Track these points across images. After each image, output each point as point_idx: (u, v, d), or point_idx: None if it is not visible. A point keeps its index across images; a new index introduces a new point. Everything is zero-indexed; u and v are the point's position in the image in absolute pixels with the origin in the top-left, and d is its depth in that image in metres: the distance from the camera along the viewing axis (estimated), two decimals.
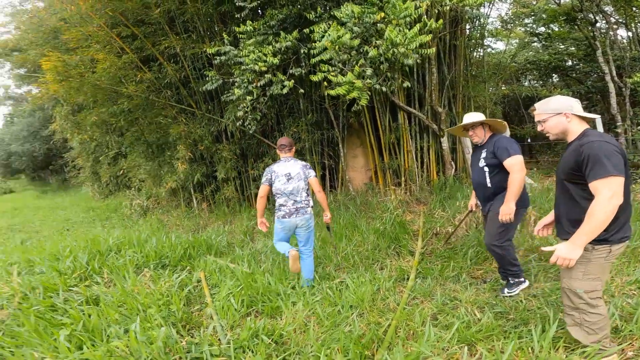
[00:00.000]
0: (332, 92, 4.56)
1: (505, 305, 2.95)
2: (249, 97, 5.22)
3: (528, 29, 11.01)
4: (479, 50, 8.58)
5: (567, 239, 2.06)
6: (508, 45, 11.67)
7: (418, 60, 4.89)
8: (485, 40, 8.47)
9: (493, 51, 11.14)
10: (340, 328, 2.63)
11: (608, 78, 8.26)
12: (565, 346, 2.29)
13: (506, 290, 3.16)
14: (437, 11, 5.70)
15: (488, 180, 3.08)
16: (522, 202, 3.04)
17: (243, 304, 3.06)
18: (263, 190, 3.43)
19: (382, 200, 6.55)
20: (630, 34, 9.52)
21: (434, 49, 4.90)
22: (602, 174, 1.81)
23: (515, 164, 2.87)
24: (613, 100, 8.26)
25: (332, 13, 4.92)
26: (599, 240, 1.94)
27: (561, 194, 2.13)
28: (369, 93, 4.53)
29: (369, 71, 4.43)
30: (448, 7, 4.78)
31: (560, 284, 2.22)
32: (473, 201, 3.59)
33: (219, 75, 5.75)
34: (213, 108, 7.62)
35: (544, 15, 9.73)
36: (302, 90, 5.83)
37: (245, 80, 5.10)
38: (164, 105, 7.50)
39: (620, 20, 9.15)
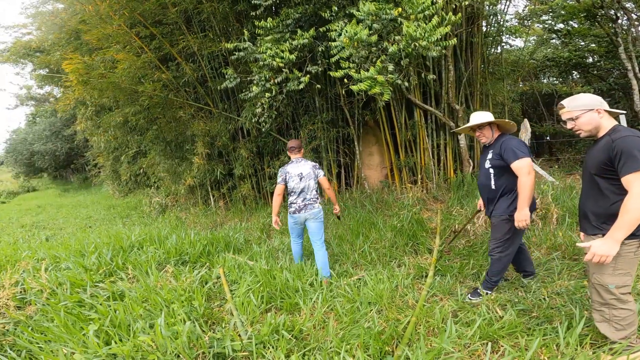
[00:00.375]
0: (355, 88, 4.55)
1: (527, 303, 2.91)
2: (267, 94, 5.27)
3: (546, 25, 10.75)
4: (497, 47, 8.43)
5: (594, 234, 2.04)
6: (526, 42, 11.43)
7: (443, 52, 4.85)
8: (502, 37, 8.31)
9: (511, 48, 10.91)
10: (360, 324, 2.64)
11: (631, 75, 8.03)
12: (591, 343, 2.25)
13: (470, 296, 3.12)
14: (454, 7, 5.62)
15: (493, 182, 2.98)
16: (530, 206, 2.94)
17: (262, 300, 3.10)
18: (279, 189, 3.79)
19: (399, 198, 6.52)
20: None
21: (455, 40, 4.84)
22: (636, 167, 1.83)
23: (523, 166, 2.76)
24: (636, 97, 8.02)
25: (347, 11, 4.91)
26: (629, 235, 1.93)
27: (590, 189, 2.11)
28: (391, 89, 4.50)
29: (390, 67, 4.41)
30: (467, 3, 4.71)
31: (587, 281, 2.18)
32: (482, 200, 3.50)
33: (237, 73, 5.82)
34: (229, 107, 7.71)
35: (562, 12, 9.50)
36: (318, 86, 5.86)
37: (263, 77, 5.14)
38: (182, 104, 7.63)
39: None
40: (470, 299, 3.08)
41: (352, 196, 6.95)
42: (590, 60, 11.44)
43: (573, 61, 10.85)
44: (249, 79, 5.76)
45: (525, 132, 4.99)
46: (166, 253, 4.48)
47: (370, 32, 4.34)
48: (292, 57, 4.89)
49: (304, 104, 7.23)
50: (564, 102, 2.15)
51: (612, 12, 8.24)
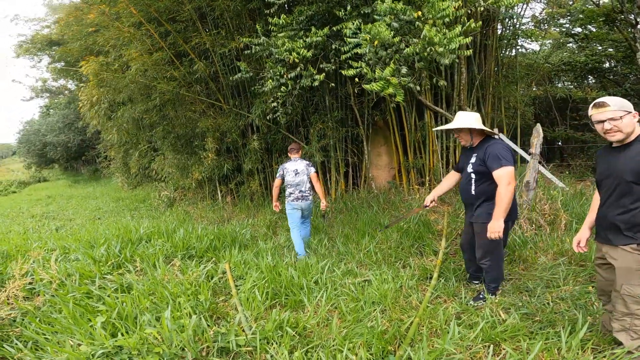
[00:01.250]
0: (368, 87, 4.54)
1: (531, 307, 2.90)
2: (283, 88, 5.29)
3: (563, 29, 10.60)
4: (511, 50, 8.34)
5: (625, 245, 2.01)
6: (542, 46, 11.28)
7: (455, 61, 4.83)
8: (518, 40, 8.22)
9: (526, 51, 10.78)
10: (363, 323, 2.65)
11: None
12: (593, 348, 2.25)
13: (473, 300, 3.10)
14: (469, 11, 5.58)
15: (473, 187, 2.91)
16: (510, 215, 2.89)
17: (267, 297, 3.13)
18: (277, 182, 4.68)
19: (406, 199, 6.50)
20: None
21: (470, 51, 4.81)
22: None
23: (504, 175, 2.67)
24: None
25: (362, 11, 4.90)
26: None
27: (621, 197, 2.03)
28: (403, 91, 4.50)
29: (404, 69, 4.40)
30: (481, 8, 4.68)
31: (614, 290, 2.15)
32: (433, 195, 3.34)
33: (249, 69, 5.87)
34: (240, 103, 7.76)
35: (580, 16, 9.36)
36: (332, 84, 5.89)
37: (278, 72, 5.17)
38: (194, 99, 7.70)
39: None
40: (473, 303, 3.07)
41: (359, 196, 6.96)
42: (607, 65, 11.24)
43: (589, 66, 10.67)
44: (260, 75, 5.79)
45: (537, 137, 4.92)
46: (173, 247, 4.54)
47: (393, 33, 4.32)
48: (309, 54, 4.90)
49: (314, 102, 7.25)
50: (608, 100, 2.03)
51: (632, 17, 8.10)
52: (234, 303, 3.09)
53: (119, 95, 7.75)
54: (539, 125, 5.08)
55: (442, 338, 2.39)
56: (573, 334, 2.33)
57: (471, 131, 2.96)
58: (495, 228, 2.70)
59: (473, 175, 2.92)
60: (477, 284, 3.44)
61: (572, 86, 13.03)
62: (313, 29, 5.09)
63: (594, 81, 12.60)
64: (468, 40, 4.29)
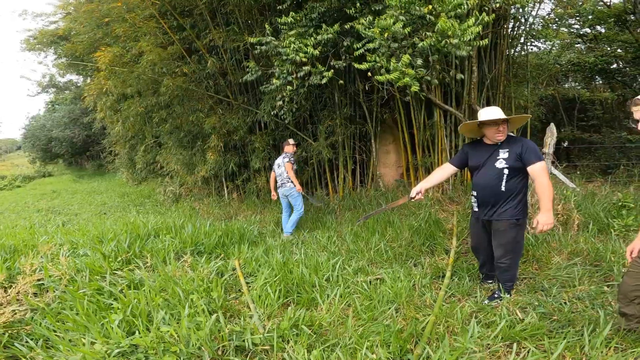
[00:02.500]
0: (382, 78, 4.48)
1: (548, 306, 2.86)
2: (289, 87, 5.26)
3: (573, 30, 10.49)
4: (522, 50, 8.25)
5: None
6: (552, 47, 11.18)
7: (471, 52, 4.77)
8: (529, 40, 8.13)
9: (538, 51, 10.68)
10: (379, 322, 2.61)
11: None
12: (616, 347, 2.20)
13: (488, 299, 3.06)
14: (486, 9, 5.52)
15: (504, 183, 2.85)
16: (526, 214, 2.92)
17: (280, 294, 3.09)
18: (273, 174, 5.74)
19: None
20: None
21: (486, 41, 4.74)
22: None
23: (544, 168, 2.74)
24: None
25: (372, 8, 4.85)
26: None
27: None
28: (418, 83, 4.44)
29: (419, 61, 4.35)
30: (498, 4, 4.62)
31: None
32: (421, 187, 3.14)
33: (259, 67, 5.83)
34: (249, 99, 7.72)
35: (590, 17, 9.25)
36: (341, 81, 5.84)
37: (285, 71, 5.13)
38: (202, 95, 7.67)
39: None
40: (489, 302, 3.03)
41: (367, 194, 6.91)
42: (615, 66, 11.14)
43: (598, 67, 10.58)
44: (270, 71, 5.75)
45: (551, 136, 4.86)
46: (182, 243, 4.49)
47: (404, 25, 4.27)
48: (316, 52, 4.86)
49: (323, 99, 7.20)
50: None
51: None
52: (246, 300, 3.06)
53: (127, 89, 7.71)
54: (552, 125, 5.02)
55: (463, 336, 2.35)
56: (594, 332, 2.27)
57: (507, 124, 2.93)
58: (548, 220, 2.70)
59: (506, 171, 2.85)
60: (491, 283, 3.40)
61: (579, 87, 12.94)
62: (324, 26, 5.05)
63: (601, 82, 12.49)
64: (479, 28, 4.22)
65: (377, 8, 4.84)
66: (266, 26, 5.51)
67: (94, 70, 8.46)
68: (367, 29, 4.49)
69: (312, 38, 5.01)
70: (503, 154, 2.88)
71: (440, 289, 3.27)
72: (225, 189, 8.77)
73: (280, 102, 5.75)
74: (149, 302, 2.81)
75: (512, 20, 7.25)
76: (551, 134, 4.90)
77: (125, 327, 2.53)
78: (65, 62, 13.24)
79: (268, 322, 2.71)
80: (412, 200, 3.18)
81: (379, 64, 4.47)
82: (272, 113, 6.35)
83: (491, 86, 7.02)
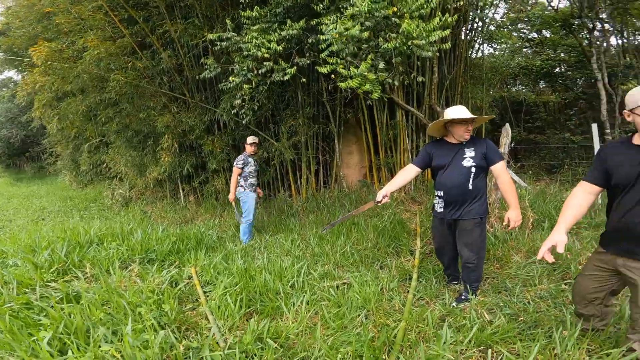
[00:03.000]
0: (343, 85, 4.37)
1: (513, 307, 2.85)
2: (246, 86, 4.99)
3: (522, 34, 11.03)
4: (479, 51, 8.55)
5: None
6: (505, 50, 11.72)
7: (436, 55, 4.78)
8: (486, 42, 8.43)
9: (493, 53, 11.15)
10: (349, 330, 2.46)
11: (600, 85, 8.35)
12: (586, 348, 2.19)
13: (456, 302, 3.02)
14: (443, 10, 5.59)
15: (471, 182, 2.86)
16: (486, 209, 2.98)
17: (241, 304, 2.84)
18: (238, 171, 5.13)
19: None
20: (621, 42, 9.67)
21: (449, 44, 4.77)
22: None
23: (505, 167, 2.87)
24: (604, 107, 8.35)
25: (339, 5, 4.74)
26: None
27: None
28: (380, 87, 4.37)
29: (381, 64, 4.27)
30: (462, 2, 4.67)
31: (595, 296, 2.11)
32: (386, 191, 2.97)
33: (218, 64, 5.50)
34: (207, 97, 7.33)
35: (538, 21, 9.78)
36: (304, 79, 5.66)
37: (245, 67, 4.87)
38: (155, 92, 7.17)
39: (616, 28, 9.27)
40: (457, 305, 2.98)
41: (331, 195, 6.79)
42: (558, 70, 11.83)
43: (543, 70, 11.19)
44: (230, 68, 5.45)
45: (507, 137, 4.99)
46: (130, 250, 4.10)
47: (362, 29, 4.17)
48: (280, 48, 4.65)
49: (286, 98, 6.99)
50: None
51: (589, 22, 8.53)
52: (204, 312, 2.78)
53: (68, 85, 7.06)
54: (507, 126, 5.14)
55: (437, 343, 2.24)
56: (571, 333, 2.25)
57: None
58: (519, 217, 2.77)
59: (473, 170, 2.84)
60: (457, 284, 3.37)
61: (526, 90, 13.69)
62: (289, 21, 4.85)
63: (544, 85, 13.28)
64: (447, 32, 4.24)
65: (343, 5, 4.73)
66: (227, 21, 5.22)
67: (29, 66, 7.66)
68: (328, 30, 4.36)
69: (276, 34, 4.80)
70: (469, 152, 2.86)
71: (408, 292, 3.18)
72: (180, 191, 8.28)
73: (240, 101, 5.46)
74: (88, 317, 2.47)
75: (471, 23, 7.47)
76: (507, 134, 5.01)
77: (57, 345, 2.19)
78: (2, 57, 12.07)
79: (229, 335, 2.46)
80: (379, 204, 3.07)
81: (340, 68, 4.36)
82: (231, 112, 6.03)
83: (450, 87, 7.17)
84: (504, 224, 2.84)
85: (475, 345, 2.32)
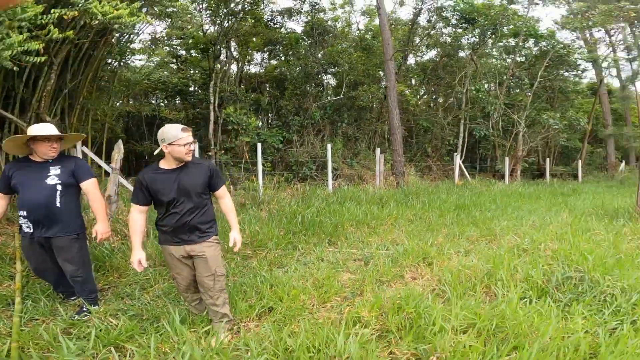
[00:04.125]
0: None
1: (136, 308, 3.07)
2: None
3: (172, 50, 11.50)
4: (117, 63, 8.24)
5: (200, 242, 2.61)
6: (149, 63, 11.78)
7: (15, 68, 4.32)
8: (128, 54, 8.26)
9: (132, 66, 10.87)
10: None
11: (211, 107, 10.24)
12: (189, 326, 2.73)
13: (77, 315, 2.99)
14: (69, 19, 5.19)
15: (59, 200, 2.83)
16: (85, 225, 3.12)
17: None
18: None
19: None
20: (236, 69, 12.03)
21: (45, 57, 4.45)
22: None
23: (96, 184, 3.02)
24: (211, 127, 10.26)
25: None
26: None
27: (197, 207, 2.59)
28: None
29: None
30: (97, 22, 4.58)
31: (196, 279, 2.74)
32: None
33: None
34: None
35: (190, 40, 10.61)
36: None
37: None
38: None
39: (238, 57, 11.59)
40: (79, 317, 2.89)
41: None
42: (192, 88, 13.08)
43: (178, 87, 12.08)
44: None
45: (119, 152, 5.22)
46: None
47: None
48: None
49: None
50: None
51: (221, 49, 10.04)
52: None
53: None
54: (120, 142, 5.37)
55: (58, 352, 2.13)
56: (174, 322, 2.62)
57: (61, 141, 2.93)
58: (106, 229, 2.98)
59: (59, 187, 2.81)
60: (75, 299, 3.22)
61: (163, 104, 14.27)
62: None
63: (179, 102, 14.30)
64: (39, 46, 4.04)
65: None
66: None
67: None
68: None
69: None
70: (54, 170, 2.86)
71: (13, 316, 2.70)
72: None
73: None
74: None
75: (117, 33, 7.16)
76: (119, 150, 5.26)
77: None
78: None
79: None
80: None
81: None
82: None
83: (70, 96, 6.56)
84: (93, 237, 3.02)
85: (104, 347, 2.38)
